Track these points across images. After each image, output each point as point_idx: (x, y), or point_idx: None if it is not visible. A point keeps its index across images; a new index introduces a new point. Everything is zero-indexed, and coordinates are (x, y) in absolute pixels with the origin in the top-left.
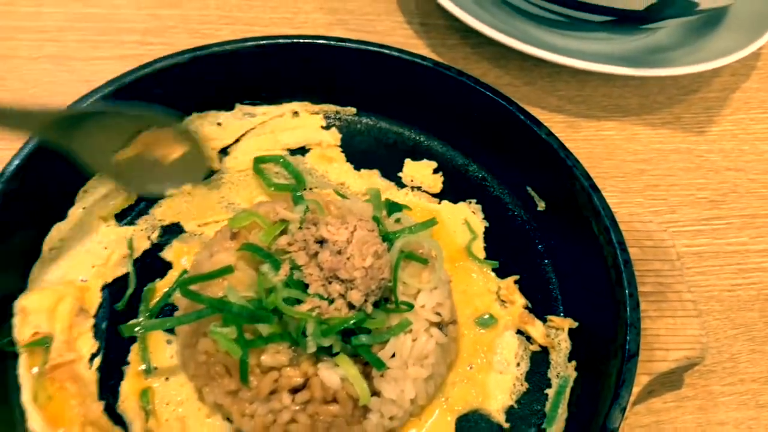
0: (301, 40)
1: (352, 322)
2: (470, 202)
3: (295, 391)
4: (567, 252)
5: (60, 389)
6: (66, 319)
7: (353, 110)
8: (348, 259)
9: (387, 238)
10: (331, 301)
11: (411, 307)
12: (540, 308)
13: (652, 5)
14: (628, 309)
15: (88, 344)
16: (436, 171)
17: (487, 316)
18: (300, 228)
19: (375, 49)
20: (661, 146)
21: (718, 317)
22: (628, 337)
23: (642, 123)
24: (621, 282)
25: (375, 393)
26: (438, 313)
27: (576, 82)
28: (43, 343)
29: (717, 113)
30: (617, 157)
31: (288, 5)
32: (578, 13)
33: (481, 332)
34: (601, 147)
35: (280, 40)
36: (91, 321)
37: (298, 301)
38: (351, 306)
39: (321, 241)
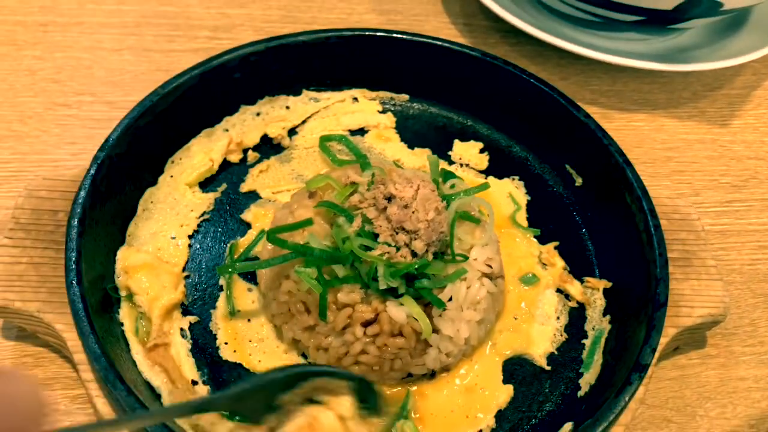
0: (364, 33)
1: (415, 267)
2: (513, 179)
3: (366, 324)
4: (602, 221)
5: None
6: (162, 312)
7: (406, 97)
8: (413, 213)
9: (444, 198)
10: (398, 249)
11: (466, 258)
12: (577, 271)
13: (679, 5)
14: (657, 266)
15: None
16: (482, 151)
17: (530, 275)
18: (368, 189)
19: (427, 41)
20: (686, 136)
21: (739, 287)
22: (657, 290)
23: (669, 116)
24: (651, 243)
25: (434, 330)
26: (489, 266)
27: (608, 77)
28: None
29: (739, 108)
30: (646, 146)
31: (342, 7)
32: (609, 12)
33: (525, 289)
34: (631, 136)
35: (345, 33)
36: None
37: (369, 249)
38: (414, 254)
39: (389, 198)
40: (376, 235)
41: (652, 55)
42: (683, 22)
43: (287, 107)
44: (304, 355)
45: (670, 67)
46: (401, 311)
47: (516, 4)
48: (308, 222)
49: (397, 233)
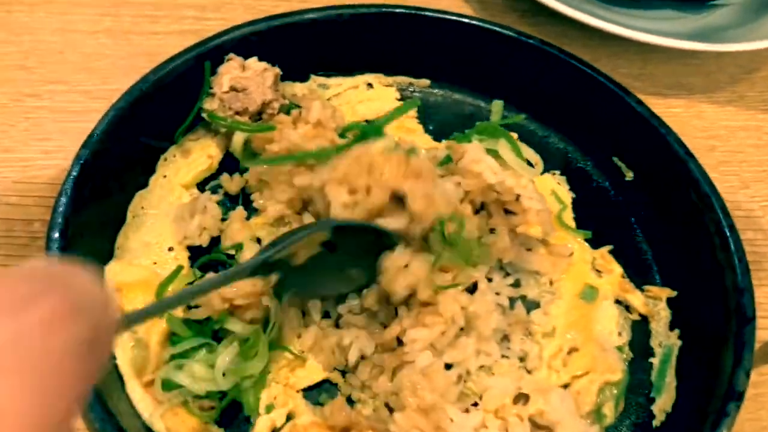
0: (381, 9)
1: None
2: (554, 174)
3: None
4: (660, 221)
5: None
6: (161, 337)
7: (427, 82)
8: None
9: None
10: None
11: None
12: (636, 278)
13: None
14: (738, 273)
15: None
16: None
17: (588, 288)
18: None
19: (453, 18)
20: (728, 123)
21: None
22: (743, 301)
23: (707, 101)
24: (728, 247)
25: None
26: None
27: (639, 60)
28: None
29: None
30: (687, 134)
31: None
32: None
33: (585, 306)
34: (670, 124)
35: (361, 9)
36: None
37: None
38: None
39: None
40: None
41: (686, 35)
42: None
43: (293, 95)
44: None
45: (709, 46)
46: None
47: None
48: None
49: None
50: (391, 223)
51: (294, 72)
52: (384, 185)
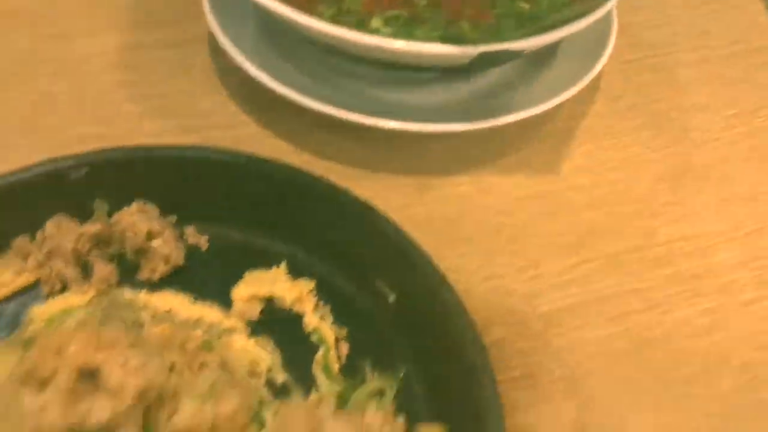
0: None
1: None
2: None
3: None
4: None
5: None
6: None
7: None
8: None
9: None
10: None
11: None
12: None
13: (472, 61)
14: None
15: None
16: None
17: None
18: None
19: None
20: (515, 194)
21: (599, 377)
22: None
23: (493, 173)
24: (480, 383)
25: None
26: None
27: (417, 139)
28: None
29: (567, 146)
30: (474, 215)
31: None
32: (403, 73)
33: None
34: (455, 205)
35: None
36: None
37: None
38: None
39: None
40: None
41: (459, 107)
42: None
43: None
44: None
45: (480, 125)
46: None
47: (295, 67)
48: None
49: None
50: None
51: None
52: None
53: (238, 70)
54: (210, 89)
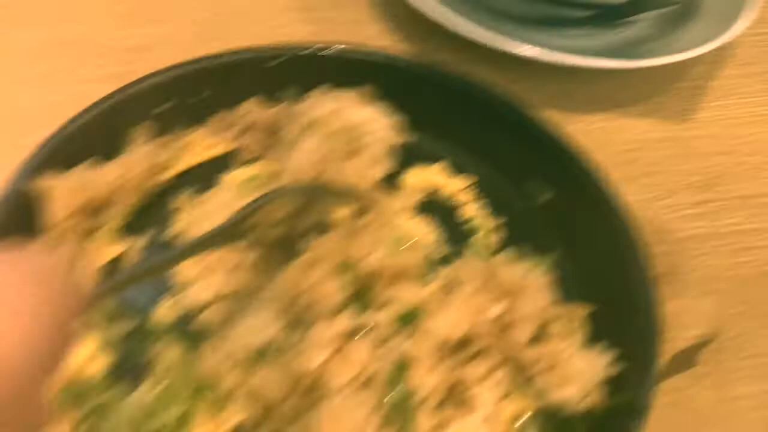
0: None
1: None
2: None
3: None
4: (576, 239)
5: None
6: None
7: None
8: None
9: None
10: None
11: None
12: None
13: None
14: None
15: None
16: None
17: None
18: None
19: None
20: (649, 135)
21: (724, 296)
22: (651, 317)
23: (628, 115)
24: (636, 262)
25: None
26: None
27: (560, 77)
28: None
29: (700, 101)
30: (609, 149)
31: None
32: (557, 9)
33: None
34: (591, 140)
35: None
36: None
37: None
38: None
39: None
40: None
41: (606, 51)
42: (635, 15)
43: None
44: None
45: (624, 63)
46: None
47: (450, 5)
48: None
49: None
50: None
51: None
52: None
53: (399, 3)
54: (375, 18)
